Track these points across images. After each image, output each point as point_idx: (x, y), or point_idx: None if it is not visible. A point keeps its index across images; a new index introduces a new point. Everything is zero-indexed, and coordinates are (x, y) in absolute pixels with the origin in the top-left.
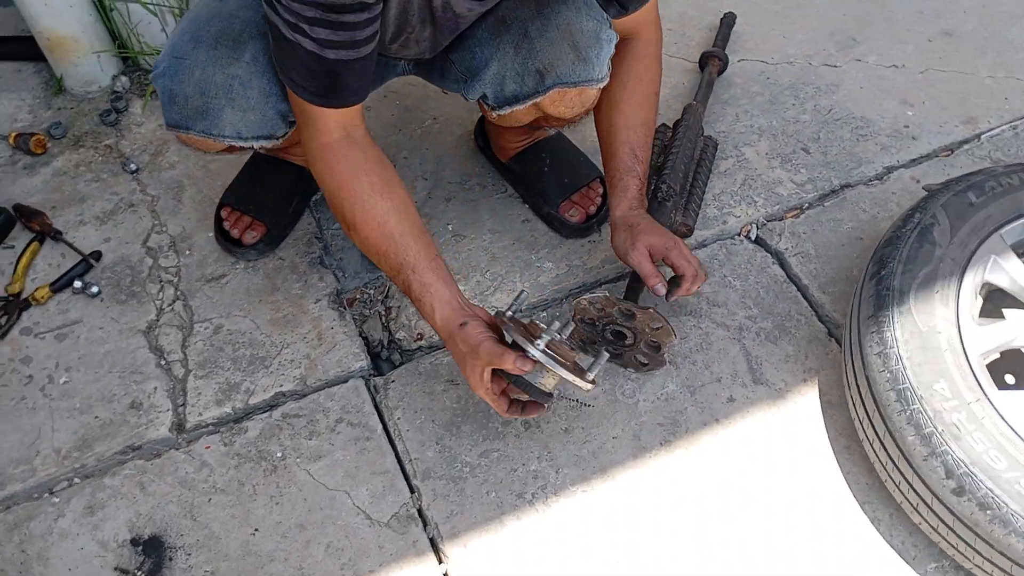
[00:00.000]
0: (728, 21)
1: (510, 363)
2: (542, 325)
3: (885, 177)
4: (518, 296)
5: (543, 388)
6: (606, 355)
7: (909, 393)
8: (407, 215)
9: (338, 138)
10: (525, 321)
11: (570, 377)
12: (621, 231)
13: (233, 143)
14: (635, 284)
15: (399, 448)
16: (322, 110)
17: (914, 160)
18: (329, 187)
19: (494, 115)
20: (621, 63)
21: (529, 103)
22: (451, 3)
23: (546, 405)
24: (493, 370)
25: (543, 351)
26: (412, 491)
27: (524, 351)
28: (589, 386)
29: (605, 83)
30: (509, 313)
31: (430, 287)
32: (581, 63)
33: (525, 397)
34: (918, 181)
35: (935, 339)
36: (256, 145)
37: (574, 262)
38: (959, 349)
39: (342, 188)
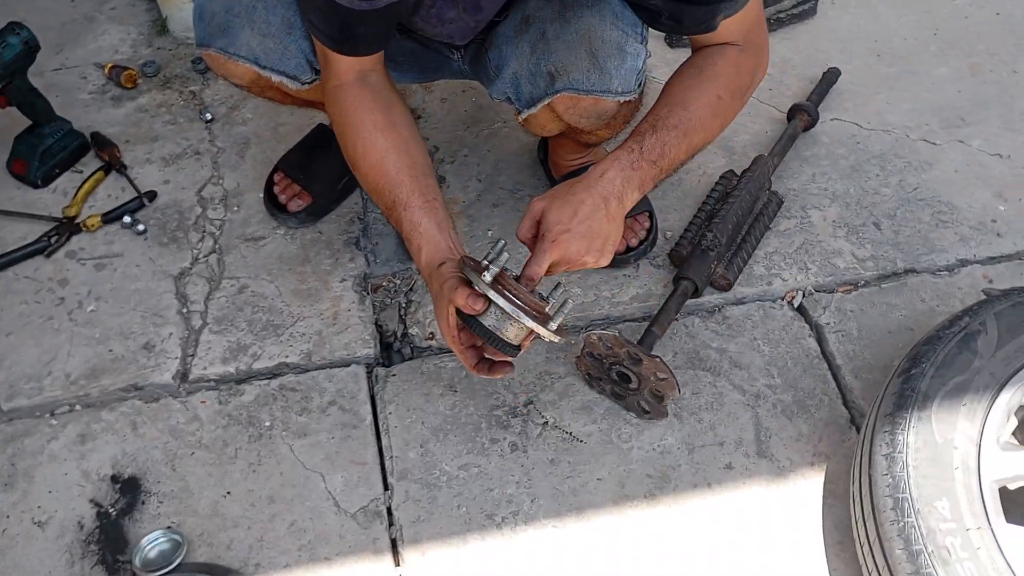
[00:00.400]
0: (830, 77)
1: (461, 299)
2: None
3: (956, 270)
4: (495, 245)
5: (506, 338)
6: (571, 303)
7: (907, 504)
8: (408, 155)
9: (351, 80)
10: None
11: (529, 323)
12: (567, 185)
13: (250, 67)
14: (651, 331)
15: (383, 443)
16: (337, 55)
17: (992, 258)
18: (337, 125)
19: (520, 118)
20: (702, 60)
21: (540, 106)
22: None
23: (511, 364)
24: (461, 321)
25: (491, 285)
26: (386, 488)
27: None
28: (554, 336)
29: (629, 98)
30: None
31: (419, 226)
32: (596, 71)
33: (501, 358)
34: (990, 281)
35: (949, 454)
36: (277, 80)
37: (603, 292)
38: (973, 469)
39: (347, 125)
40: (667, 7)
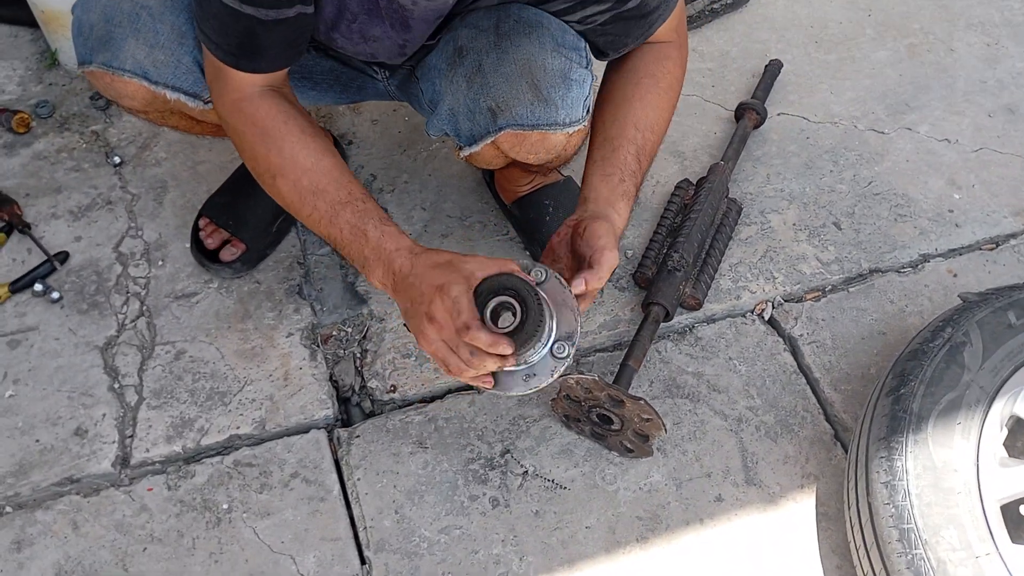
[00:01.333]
0: (772, 71)
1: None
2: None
3: (920, 266)
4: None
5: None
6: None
7: (914, 536)
8: (342, 160)
9: (257, 91)
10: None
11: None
12: (600, 218)
13: (140, 83)
14: (626, 367)
15: (355, 513)
16: (229, 69)
17: (954, 250)
18: (248, 138)
19: (461, 155)
20: (637, 61)
21: (482, 144)
22: None
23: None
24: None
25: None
26: (363, 563)
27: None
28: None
29: (578, 128)
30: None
31: (384, 218)
32: (541, 104)
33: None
34: (955, 275)
35: (950, 478)
36: (173, 98)
37: None
38: (975, 492)
39: (266, 133)
40: (611, 28)
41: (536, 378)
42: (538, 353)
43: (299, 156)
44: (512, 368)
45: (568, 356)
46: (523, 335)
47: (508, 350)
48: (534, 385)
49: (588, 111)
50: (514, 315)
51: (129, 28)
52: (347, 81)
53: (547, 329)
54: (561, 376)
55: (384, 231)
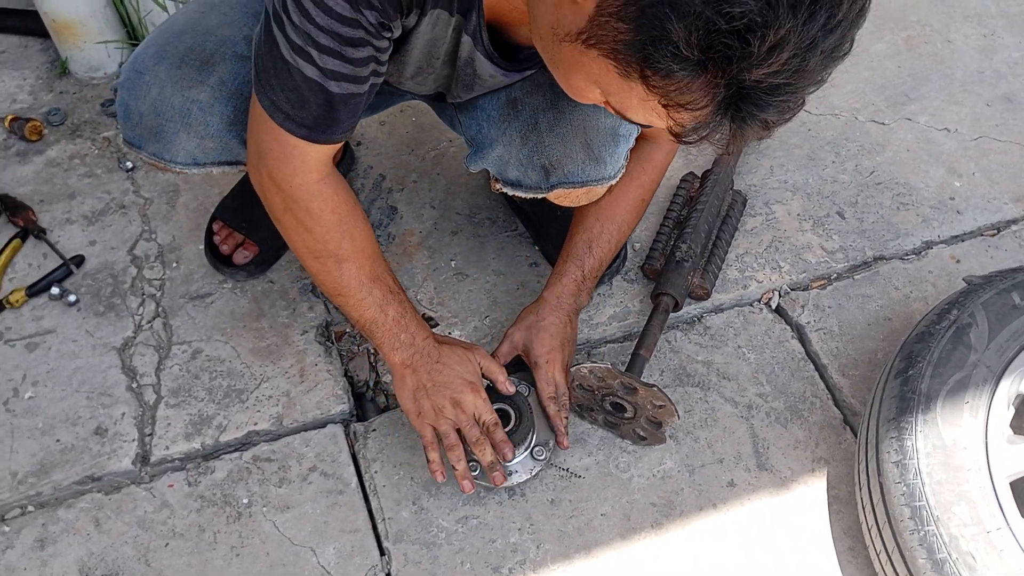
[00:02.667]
0: None
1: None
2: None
3: (923, 253)
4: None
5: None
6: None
7: (925, 513)
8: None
9: (328, 173)
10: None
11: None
12: (532, 313)
13: (187, 171)
14: (638, 356)
15: (373, 505)
16: (306, 144)
17: (956, 237)
18: (324, 223)
19: (497, 187)
20: (634, 163)
21: (531, 196)
22: (475, 61)
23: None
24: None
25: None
26: (383, 554)
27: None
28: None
29: (616, 179)
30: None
31: (409, 310)
32: (592, 163)
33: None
34: (958, 261)
35: (959, 456)
36: (217, 171)
37: (580, 316)
38: (984, 469)
39: (343, 220)
40: None
41: (517, 475)
42: (520, 455)
43: (367, 245)
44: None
45: (545, 459)
46: (514, 438)
47: (510, 455)
48: (515, 481)
49: (627, 158)
50: (507, 421)
51: (180, 123)
52: (375, 105)
53: (531, 437)
54: (536, 475)
55: (419, 322)
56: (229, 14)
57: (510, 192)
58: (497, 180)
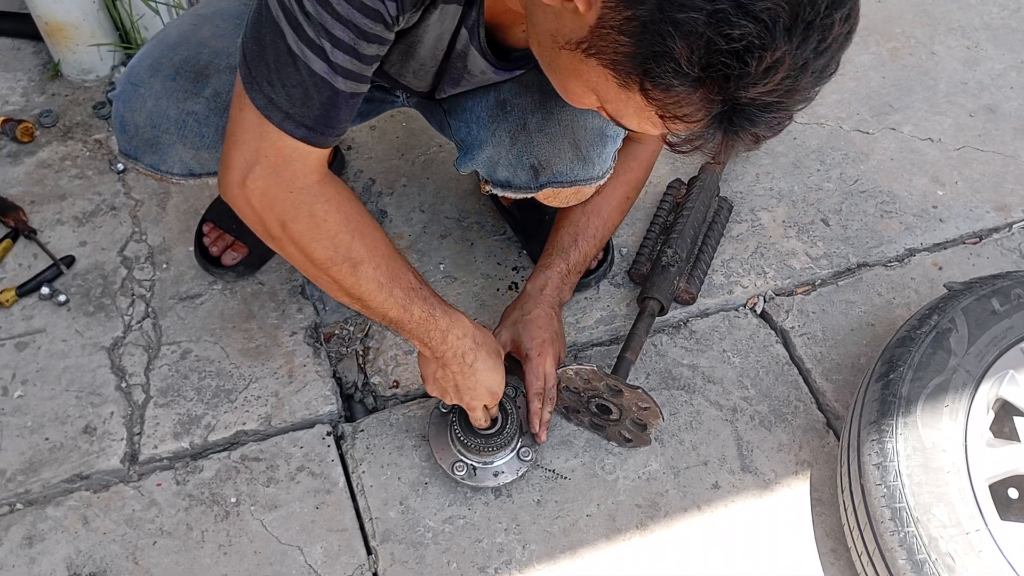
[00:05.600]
0: None
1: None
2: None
3: (906, 260)
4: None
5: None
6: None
7: (905, 514)
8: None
9: (326, 174)
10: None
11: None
12: (516, 308)
13: (183, 181)
14: (624, 358)
15: (360, 505)
16: (305, 146)
17: (939, 244)
18: (331, 225)
19: (487, 189)
20: (621, 161)
21: (520, 196)
22: (468, 56)
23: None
24: None
25: None
26: (369, 553)
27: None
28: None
29: (605, 180)
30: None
31: (441, 301)
32: (580, 162)
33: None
34: (940, 268)
35: (939, 458)
36: (212, 181)
37: (567, 319)
38: (963, 472)
39: (349, 220)
40: None
41: (504, 475)
42: (507, 456)
43: (379, 242)
44: (486, 467)
45: (532, 460)
46: (502, 439)
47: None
48: (502, 480)
49: (615, 159)
50: (494, 422)
51: (176, 135)
52: (366, 112)
53: (517, 438)
54: (523, 475)
55: (452, 316)
56: (222, 26)
57: (500, 193)
58: (487, 181)
